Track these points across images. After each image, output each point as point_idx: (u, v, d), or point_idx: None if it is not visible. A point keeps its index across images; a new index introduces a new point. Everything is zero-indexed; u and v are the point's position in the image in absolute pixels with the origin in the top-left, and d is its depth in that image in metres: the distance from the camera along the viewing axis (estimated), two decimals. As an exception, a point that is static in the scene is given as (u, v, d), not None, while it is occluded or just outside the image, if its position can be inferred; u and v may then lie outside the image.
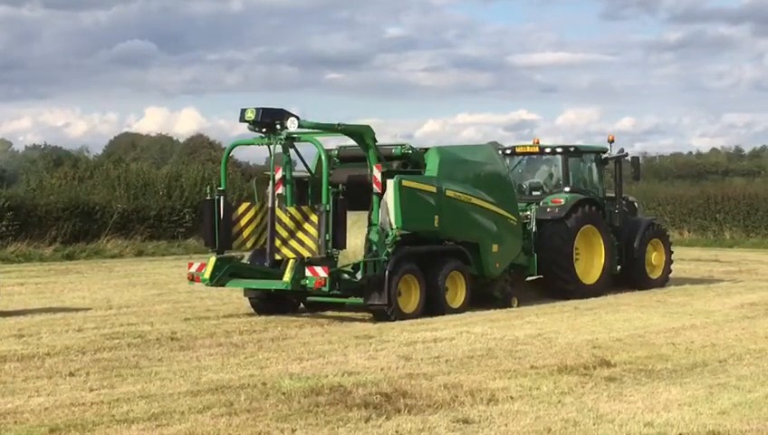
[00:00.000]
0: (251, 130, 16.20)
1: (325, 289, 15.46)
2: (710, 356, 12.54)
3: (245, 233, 16.56)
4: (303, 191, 17.32)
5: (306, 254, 15.62)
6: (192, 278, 16.56)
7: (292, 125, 15.88)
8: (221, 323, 15.59)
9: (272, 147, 16.23)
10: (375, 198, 16.34)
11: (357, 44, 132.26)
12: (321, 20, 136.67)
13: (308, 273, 15.45)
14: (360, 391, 10.14)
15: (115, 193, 34.24)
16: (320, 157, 16.42)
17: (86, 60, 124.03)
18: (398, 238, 16.25)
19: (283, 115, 15.93)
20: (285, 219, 15.79)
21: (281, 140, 16.20)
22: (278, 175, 16.80)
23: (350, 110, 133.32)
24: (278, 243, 15.75)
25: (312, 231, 15.64)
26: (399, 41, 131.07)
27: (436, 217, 16.92)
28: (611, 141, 21.75)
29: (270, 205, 15.97)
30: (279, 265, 15.96)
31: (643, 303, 18.67)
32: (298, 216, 15.78)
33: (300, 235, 15.73)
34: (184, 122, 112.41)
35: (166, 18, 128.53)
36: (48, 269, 26.22)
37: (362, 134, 16.53)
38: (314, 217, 15.64)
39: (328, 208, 15.52)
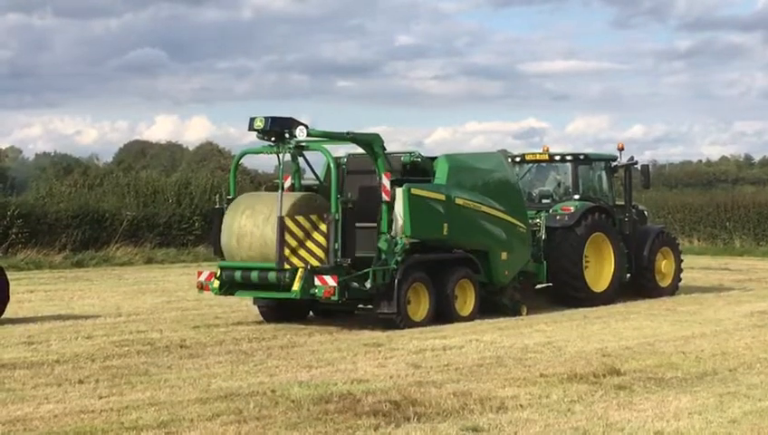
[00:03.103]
0: (260, 138, 16.21)
1: (334, 298, 15.46)
2: (720, 365, 12.51)
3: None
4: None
5: (315, 263, 15.62)
6: (201, 287, 16.60)
7: (300, 134, 15.87)
8: (230, 331, 15.61)
9: (281, 155, 16.22)
10: (384, 207, 16.33)
11: (367, 52, 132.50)
12: (332, 28, 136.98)
13: (317, 282, 15.45)
14: (370, 399, 10.14)
15: (125, 200, 34.27)
16: (329, 165, 16.44)
17: (97, 68, 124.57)
18: (407, 247, 16.24)
19: (291, 124, 15.94)
20: (294, 228, 15.79)
21: (290, 148, 16.21)
22: (287, 183, 16.82)
23: (360, 117, 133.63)
24: (287, 252, 15.74)
25: (322, 240, 15.64)
26: (410, 49, 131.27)
27: (446, 225, 16.89)
28: (621, 149, 21.74)
29: (278, 214, 15.98)
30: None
31: (653, 311, 18.62)
32: (307, 224, 15.77)
33: (309, 244, 15.73)
34: (194, 130, 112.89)
35: (176, 26, 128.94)
36: (58, 276, 26.26)
37: (371, 143, 16.53)
38: (323, 226, 15.64)
39: (337, 217, 15.52)
